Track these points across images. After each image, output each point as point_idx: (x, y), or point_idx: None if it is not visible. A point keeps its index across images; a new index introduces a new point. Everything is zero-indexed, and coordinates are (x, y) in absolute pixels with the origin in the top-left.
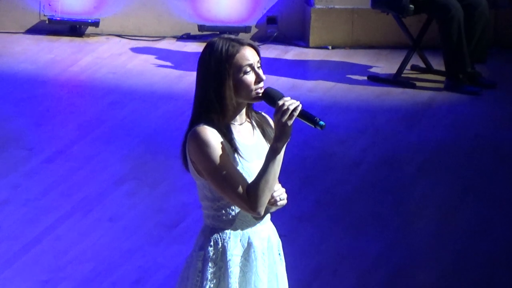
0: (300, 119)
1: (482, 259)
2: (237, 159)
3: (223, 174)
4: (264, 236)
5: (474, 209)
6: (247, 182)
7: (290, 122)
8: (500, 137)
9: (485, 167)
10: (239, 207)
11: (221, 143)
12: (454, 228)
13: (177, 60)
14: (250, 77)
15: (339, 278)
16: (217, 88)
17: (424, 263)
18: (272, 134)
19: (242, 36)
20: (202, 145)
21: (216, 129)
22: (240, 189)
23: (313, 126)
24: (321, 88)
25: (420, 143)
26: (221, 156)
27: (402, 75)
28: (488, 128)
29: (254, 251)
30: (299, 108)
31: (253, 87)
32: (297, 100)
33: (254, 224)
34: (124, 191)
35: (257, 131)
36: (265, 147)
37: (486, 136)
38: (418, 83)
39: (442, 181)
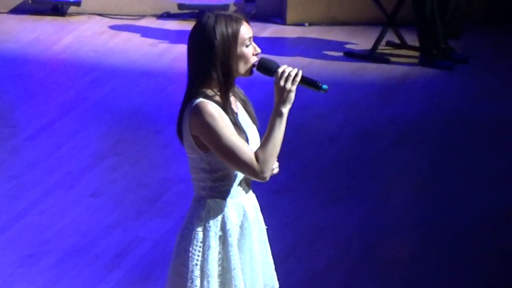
0: (302, 84)
1: (456, 229)
2: (235, 129)
3: (231, 144)
4: (254, 204)
5: (448, 181)
6: (251, 149)
7: (294, 88)
8: (472, 111)
9: (458, 140)
10: (246, 173)
11: (223, 115)
12: (429, 199)
13: (157, 38)
14: (250, 50)
15: (317, 250)
16: (224, 62)
17: (400, 234)
18: (250, 105)
19: None
20: (208, 118)
21: (216, 103)
22: (249, 155)
23: (316, 90)
24: (298, 65)
25: (395, 117)
26: (227, 127)
27: (377, 51)
28: (461, 102)
29: (247, 219)
30: (300, 74)
31: (251, 59)
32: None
33: (246, 193)
34: (106, 166)
35: (239, 103)
36: (247, 117)
37: (459, 109)
38: (392, 59)
39: (417, 154)
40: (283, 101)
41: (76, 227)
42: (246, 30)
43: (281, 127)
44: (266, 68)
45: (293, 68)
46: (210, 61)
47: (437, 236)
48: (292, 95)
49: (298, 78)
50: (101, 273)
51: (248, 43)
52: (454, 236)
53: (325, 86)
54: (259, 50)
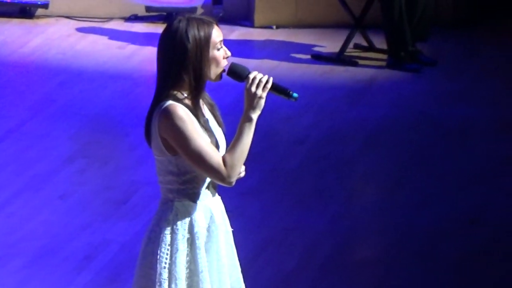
0: (272, 91)
1: (424, 231)
2: (205, 133)
3: (199, 148)
4: (220, 207)
5: (415, 183)
6: (219, 153)
7: (264, 94)
8: (440, 113)
9: (426, 143)
10: (213, 177)
11: (193, 118)
12: (396, 202)
13: (125, 40)
14: (221, 53)
15: (285, 252)
16: (196, 65)
17: (368, 237)
18: (216, 109)
19: None
20: (177, 121)
21: (185, 106)
22: (216, 160)
23: (286, 98)
24: (266, 67)
25: (362, 120)
26: (195, 130)
27: (345, 53)
28: (428, 104)
29: (214, 222)
30: (271, 80)
31: (222, 62)
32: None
33: (213, 196)
34: (74, 169)
35: (206, 106)
36: (213, 120)
37: (427, 112)
38: (360, 61)
39: (384, 157)
40: (253, 107)
41: (45, 229)
42: (217, 34)
43: (250, 133)
44: (236, 73)
45: (264, 74)
46: (183, 65)
47: (405, 238)
48: (262, 102)
49: (269, 85)
50: (69, 275)
51: (219, 47)
52: (422, 238)
53: (295, 94)
54: (229, 54)
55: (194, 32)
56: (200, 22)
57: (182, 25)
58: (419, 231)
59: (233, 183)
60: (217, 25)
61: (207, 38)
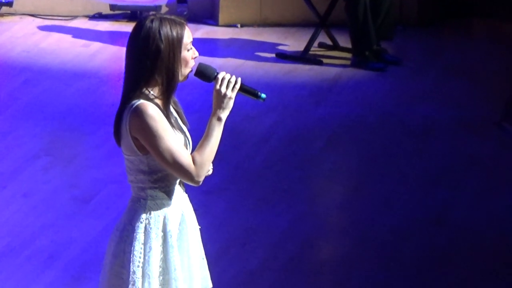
0: (241, 92)
1: (387, 231)
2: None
3: (170, 147)
4: (189, 205)
5: (379, 182)
6: (188, 153)
7: (233, 95)
8: (404, 112)
9: (390, 141)
10: (182, 176)
11: (163, 117)
12: (360, 201)
13: (89, 39)
14: (190, 54)
15: (249, 250)
16: (169, 66)
17: (331, 236)
18: (179, 106)
19: None
20: (148, 120)
21: (156, 105)
22: (186, 159)
23: (254, 99)
24: (231, 66)
25: (327, 118)
26: (166, 129)
27: (310, 52)
28: (393, 103)
29: (185, 220)
30: (240, 81)
31: (190, 63)
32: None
33: (183, 194)
34: (38, 167)
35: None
36: (178, 118)
37: (391, 111)
38: (325, 60)
39: (348, 156)
40: (222, 108)
41: (9, 227)
42: (188, 34)
43: (219, 133)
44: (204, 74)
45: (229, 73)
46: (155, 65)
47: (368, 237)
48: (231, 102)
49: (238, 86)
50: (33, 274)
51: (189, 47)
52: (385, 237)
53: (263, 95)
54: (197, 54)
55: (167, 33)
56: (173, 22)
57: (155, 25)
58: (382, 230)
59: (201, 183)
60: (187, 26)
61: (180, 39)
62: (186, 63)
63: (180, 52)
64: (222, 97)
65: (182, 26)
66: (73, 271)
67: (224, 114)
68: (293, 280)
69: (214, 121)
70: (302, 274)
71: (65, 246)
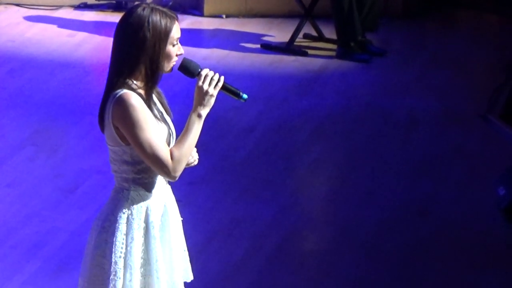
0: (222, 91)
1: (371, 222)
2: (159, 124)
3: (149, 138)
4: (171, 197)
5: (363, 173)
6: (167, 147)
7: (215, 93)
8: (389, 104)
9: (374, 132)
10: (158, 170)
11: (145, 108)
12: (344, 192)
13: (74, 29)
14: (175, 50)
15: (233, 241)
16: (153, 57)
17: (315, 227)
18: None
19: None
20: (130, 109)
21: (139, 95)
22: (165, 152)
23: (236, 99)
24: (216, 56)
25: (312, 109)
26: (147, 121)
27: (295, 43)
28: (377, 95)
29: (167, 211)
30: (222, 79)
31: (174, 59)
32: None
33: (166, 186)
34: (23, 157)
35: (154, 95)
36: (161, 109)
37: (376, 102)
38: (310, 51)
39: (333, 147)
40: (203, 105)
41: None
42: (177, 30)
43: (198, 130)
44: (188, 69)
45: (214, 69)
46: (141, 54)
47: (352, 228)
48: (213, 100)
49: (220, 84)
50: (17, 263)
51: (175, 43)
52: (369, 228)
53: (245, 96)
54: (182, 51)
55: (156, 23)
56: (163, 14)
57: (146, 13)
58: (366, 222)
59: (177, 178)
60: (177, 21)
61: (167, 32)
62: (170, 58)
63: (165, 46)
64: (203, 94)
65: (172, 20)
66: (58, 260)
67: (205, 111)
68: (277, 270)
69: (194, 117)
70: (287, 264)
71: (50, 235)
